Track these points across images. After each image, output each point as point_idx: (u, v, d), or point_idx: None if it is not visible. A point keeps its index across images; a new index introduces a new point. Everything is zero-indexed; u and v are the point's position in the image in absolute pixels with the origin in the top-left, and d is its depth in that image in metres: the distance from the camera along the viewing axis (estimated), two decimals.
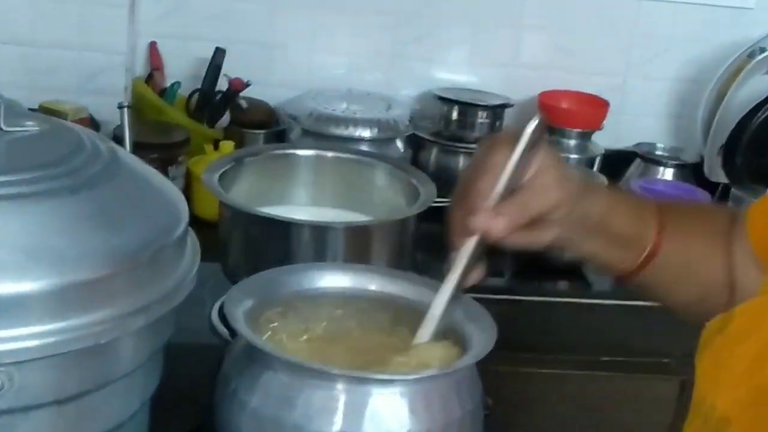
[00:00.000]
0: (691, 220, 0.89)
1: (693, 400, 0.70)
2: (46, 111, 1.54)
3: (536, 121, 0.78)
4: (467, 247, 0.80)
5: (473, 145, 1.68)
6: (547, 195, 0.79)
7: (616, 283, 0.90)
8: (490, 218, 0.77)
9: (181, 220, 0.77)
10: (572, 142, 1.74)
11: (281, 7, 1.79)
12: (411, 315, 0.88)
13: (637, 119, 1.91)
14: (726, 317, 0.69)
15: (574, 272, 1.58)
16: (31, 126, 0.77)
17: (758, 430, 0.64)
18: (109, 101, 1.57)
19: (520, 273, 1.58)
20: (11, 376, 0.64)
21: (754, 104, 1.74)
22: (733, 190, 1.65)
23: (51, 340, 0.65)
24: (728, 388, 0.67)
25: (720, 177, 1.77)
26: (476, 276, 0.82)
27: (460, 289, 0.82)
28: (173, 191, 0.81)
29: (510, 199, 0.78)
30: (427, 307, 0.82)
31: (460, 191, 0.81)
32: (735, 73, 1.78)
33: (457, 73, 1.86)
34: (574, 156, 1.72)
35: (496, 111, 1.73)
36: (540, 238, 0.82)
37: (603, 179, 1.59)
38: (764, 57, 1.76)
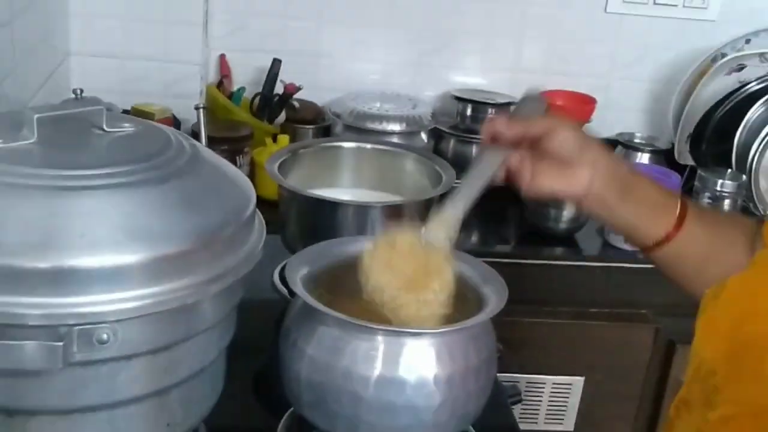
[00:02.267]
0: (713, 213, 0.85)
1: (691, 352, 0.69)
2: (137, 112, 1.55)
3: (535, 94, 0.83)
4: (493, 154, 0.80)
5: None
6: (544, 122, 0.79)
7: (647, 253, 0.84)
8: (503, 123, 0.78)
9: (249, 202, 0.77)
10: None
11: (326, 24, 1.78)
12: None
13: (620, 113, 1.89)
14: (720, 286, 0.68)
15: (567, 239, 1.56)
16: (127, 127, 0.77)
17: (735, 377, 0.63)
18: (187, 103, 1.58)
19: (523, 241, 1.57)
20: (115, 331, 0.64)
21: (717, 100, 1.72)
22: (699, 171, 1.63)
23: (146, 302, 0.65)
24: (715, 344, 0.66)
25: (688, 160, 1.76)
26: (512, 162, 0.81)
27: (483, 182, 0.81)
28: (242, 178, 0.81)
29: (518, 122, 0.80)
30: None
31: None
32: (700, 74, 1.77)
33: (470, 77, 1.84)
34: None
35: (502, 108, 1.71)
36: (574, 182, 0.79)
37: None
38: (725, 61, 1.74)
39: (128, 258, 0.64)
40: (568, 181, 0.79)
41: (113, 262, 0.64)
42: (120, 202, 0.67)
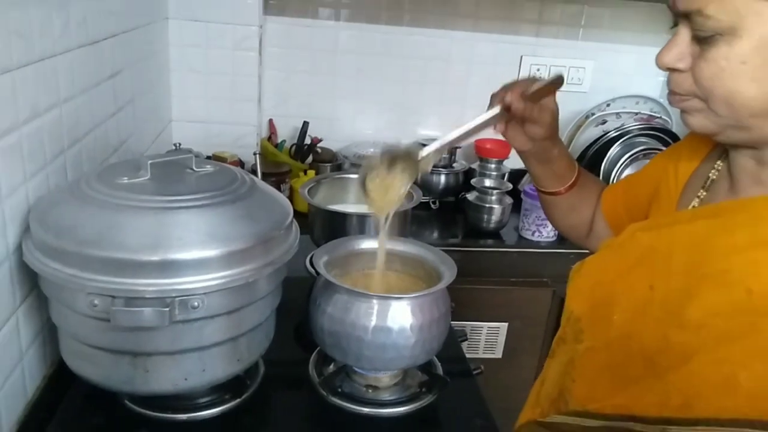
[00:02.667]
0: (589, 181, 0.84)
1: (564, 307, 0.69)
2: (216, 157, 1.54)
3: (556, 77, 0.74)
4: (495, 109, 0.74)
5: (441, 169, 1.66)
6: (545, 115, 0.74)
7: (543, 195, 0.84)
8: (518, 99, 0.72)
9: (289, 214, 0.77)
10: (493, 165, 1.72)
11: (337, 99, 1.77)
12: (412, 261, 0.88)
13: None
14: (582, 263, 0.68)
15: (495, 234, 1.56)
16: (209, 168, 0.77)
17: (592, 323, 0.63)
18: (248, 151, 1.58)
19: (466, 236, 1.57)
20: (203, 300, 0.65)
21: (589, 143, 1.72)
22: None
23: (223, 281, 0.65)
24: (580, 302, 0.66)
25: None
26: (498, 126, 0.77)
27: (478, 129, 0.75)
28: (284, 199, 0.80)
29: (529, 102, 0.73)
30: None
31: (508, 86, 0.75)
32: (578, 127, 1.77)
33: (431, 131, 1.83)
34: (494, 173, 1.69)
35: (451, 151, 1.70)
36: (524, 143, 0.77)
37: (508, 185, 1.57)
38: (593, 118, 1.75)
39: (210, 253, 0.64)
40: (518, 141, 0.77)
41: (201, 256, 0.64)
42: (204, 216, 0.67)
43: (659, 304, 0.56)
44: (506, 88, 0.74)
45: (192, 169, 0.76)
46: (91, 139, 0.92)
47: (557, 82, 0.74)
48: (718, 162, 0.62)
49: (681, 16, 0.52)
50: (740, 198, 0.57)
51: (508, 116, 0.74)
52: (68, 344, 0.71)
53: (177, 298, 0.63)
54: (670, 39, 0.54)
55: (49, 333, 0.77)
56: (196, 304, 0.64)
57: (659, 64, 0.54)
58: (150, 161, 0.71)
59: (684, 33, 0.53)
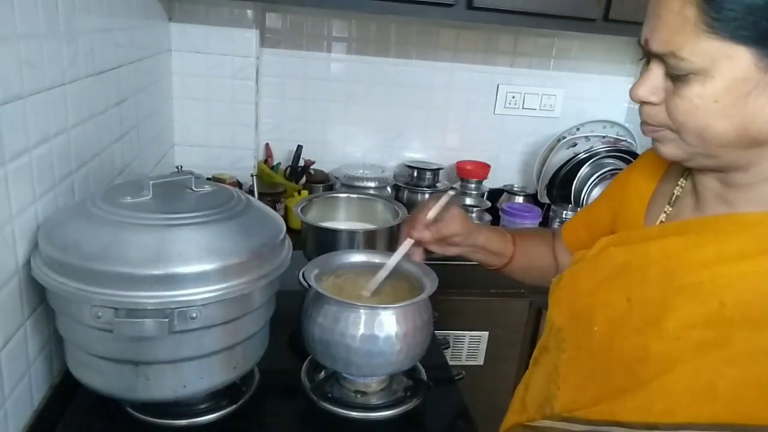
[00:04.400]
0: (530, 238, 0.86)
1: (546, 318, 0.69)
2: (215, 178, 1.54)
3: (452, 194, 0.79)
4: (407, 243, 0.80)
5: (424, 188, 1.67)
6: (453, 227, 0.79)
7: (498, 270, 0.87)
8: (422, 231, 0.77)
9: (282, 230, 0.77)
10: (473, 185, 1.73)
11: (329, 124, 1.78)
12: (396, 274, 0.87)
13: (505, 173, 1.89)
14: (559, 277, 0.68)
15: None
16: (208, 188, 0.77)
17: (573, 333, 0.63)
18: (246, 173, 1.58)
19: None
20: (201, 311, 0.64)
21: (561, 164, 1.73)
22: (552, 206, 1.65)
23: (220, 293, 0.65)
24: (561, 313, 0.66)
25: (545, 200, 1.77)
26: (417, 257, 0.82)
27: (401, 260, 0.81)
28: (277, 216, 0.81)
29: (434, 225, 0.78)
30: (383, 267, 0.83)
31: (410, 217, 0.81)
32: (550, 149, 1.79)
33: (415, 153, 1.85)
34: (474, 192, 1.71)
35: (435, 172, 1.71)
36: (450, 252, 0.82)
37: (488, 203, 1.58)
38: (564, 141, 1.77)
39: (208, 266, 0.64)
40: (446, 250, 0.82)
41: (199, 269, 0.64)
42: (203, 233, 0.67)
43: (637, 316, 0.55)
44: (409, 222, 0.80)
45: (191, 189, 0.76)
46: (98, 161, 0.92)
47: (454, 198, 0.80)
48: (681, 179, 0.62)
49: (653, 56, 0.51)
50: (706, 215, 0.57)
51: (422, 245, 0.80)
52: (73, 354, 0.70)
53: (176, 310, 0.63)
54: (644, 74, 0.53)
55: (55, 344, 0.76)
56: (194, 315, 0.64)
57: (633, 97, 0.53)
58: (152, 182, 0.71)
59: (657, 69, 0.52)
